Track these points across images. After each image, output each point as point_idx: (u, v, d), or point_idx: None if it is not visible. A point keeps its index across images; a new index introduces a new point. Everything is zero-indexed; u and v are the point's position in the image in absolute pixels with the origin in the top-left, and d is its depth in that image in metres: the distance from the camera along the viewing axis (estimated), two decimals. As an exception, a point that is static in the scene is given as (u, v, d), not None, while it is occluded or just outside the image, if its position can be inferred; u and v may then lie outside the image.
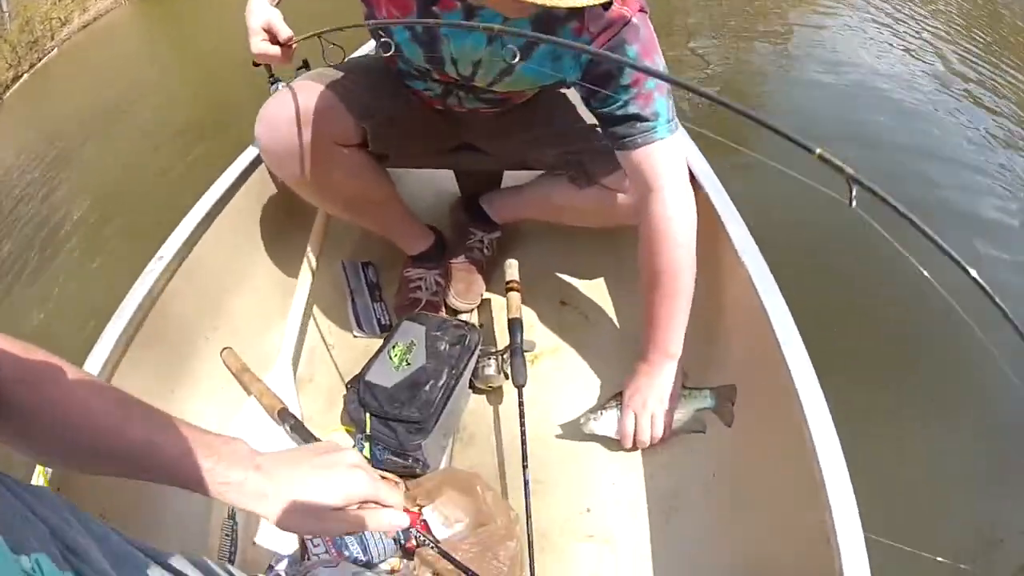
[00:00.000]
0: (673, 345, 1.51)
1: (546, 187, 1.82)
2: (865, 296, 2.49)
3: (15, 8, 6.94)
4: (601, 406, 1.56)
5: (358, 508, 0.81)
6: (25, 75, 6.49)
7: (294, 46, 1.43)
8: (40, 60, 6.82)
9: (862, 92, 4.10)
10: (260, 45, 1.40)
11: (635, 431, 1.51)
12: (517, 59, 1.27)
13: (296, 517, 0.78)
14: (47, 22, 6.92)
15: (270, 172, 1.86)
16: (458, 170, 2.11)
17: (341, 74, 1.58)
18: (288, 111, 1.47)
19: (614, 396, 1.57)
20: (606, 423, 1.54)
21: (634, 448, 1.54)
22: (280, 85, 1.70)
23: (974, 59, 4.51)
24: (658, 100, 1.37)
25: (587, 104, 1.48)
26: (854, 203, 0.57)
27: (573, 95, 1.74)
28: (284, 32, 1.39)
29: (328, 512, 0.79)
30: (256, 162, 1.82)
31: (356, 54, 2.14)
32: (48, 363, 0.75)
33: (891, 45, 4.72)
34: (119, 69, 5.80)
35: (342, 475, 0.81)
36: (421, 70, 1.53)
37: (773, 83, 4.41)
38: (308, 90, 1.49)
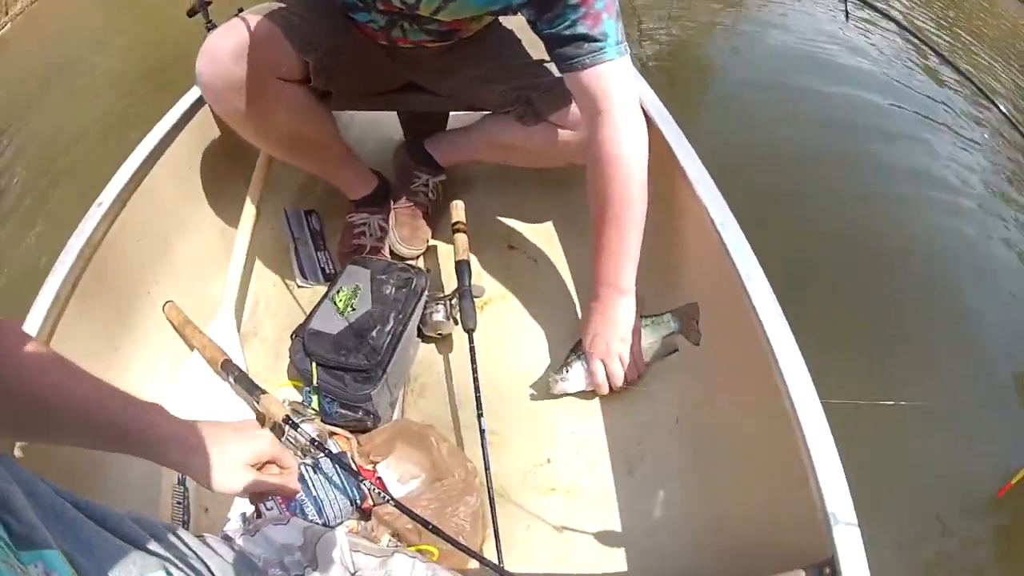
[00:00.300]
0: (626, 279, 1.47)
1: (492, 127, 1.79)
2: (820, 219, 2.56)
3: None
4: (564, 363, 1.52)
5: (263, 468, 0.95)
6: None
7: None
8: None
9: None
10: None
11: (608, 377, 1.48)
12: None
13: (218, 472, 0.88)
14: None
15: (214, 115, 1.79)
16: (402, 112, 2.06)
17: (283, 7, 1.53)
18: (230, 44, 1.42)
19: (573, 348, 1.54)
20: (575, 379, 1.50)
21: (611, 393, 1.51)
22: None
23: None
24: (607, 21, 1.33)
25: (534, 27, 1.42)
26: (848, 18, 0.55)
27: (521, 31, 1.69)
28: None
29: (243, 468, 0.90)
30: (197, 104, 1.74)
31: None
32: None
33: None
34: (67, 36, 5.62)
35: (253, 435, 0.94)
36: (365, 0, 1.48)
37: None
38: (250, 23, 1.44)
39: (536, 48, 1.63)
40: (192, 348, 1.54)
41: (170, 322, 1.59)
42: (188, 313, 1.60)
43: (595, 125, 1.41)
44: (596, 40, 1.33)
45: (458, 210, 1.73)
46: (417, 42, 1.59)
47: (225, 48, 1.42)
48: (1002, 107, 1.40)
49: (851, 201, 2.81)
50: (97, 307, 1.42)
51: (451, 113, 2.04)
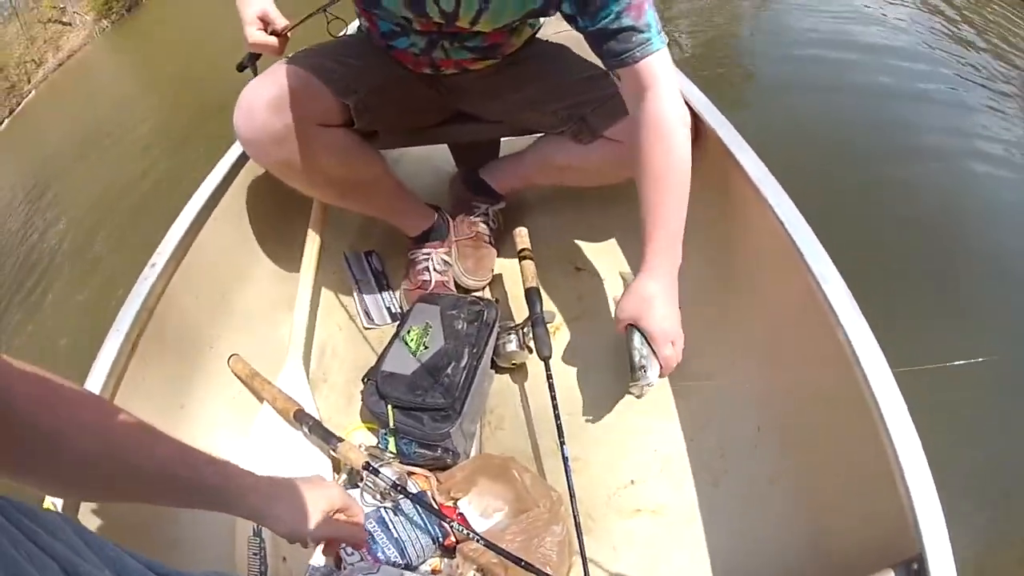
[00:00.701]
0: (677, 245, 1.38)
1: (547, 149, 1.74)
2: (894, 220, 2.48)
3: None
4: (636, 363, 1.35)
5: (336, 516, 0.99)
6: (6, 120, 6.45)
7: (289, 35, 1.44)
8: (19, 104, 6.80)
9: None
10: (256, 35, 1.42)
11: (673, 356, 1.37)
12: None
13: (298, 520, 0.92)
14: (22, 66, 6.93)
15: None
16: (453, 143, 2.02)
17: (317, 54, 1.53)
18: (266, 95, 1.41)
19: (632, 338, 1.37)
20: (653, 372, 1.36)
21: (689, 406, 1.45)
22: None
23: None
24: (648, 11, 1.31)
25: (575, 24, 1.38)
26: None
27: (561, 48, 1.68)
28: (280, 21, 1.41)
29: (319, 516, 0.94)
30: (244, 157, 1.73)
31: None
32: (64, 386, 0.72)
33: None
34: (96, 100, 5.81)
35: (325, 485, 0.99)
36: (402, 24, 1.46)
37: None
38: (283, 72, 1.44)
39: (580, 64, 1.61)
40: (262, 400, 1.51)
41: (236, 375, 1.56)
42: (255, 364, 1.57)
43: (641, 105, 1.35)
44: (642, 32, 1.30)
45: (522, 237, 1.68)
46: (460, 61, 1.56)
47: (261, 100, 1.42)
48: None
49: (901, 174, 2.77)
50: (158, 366, 1.40)
51: (503, 139, 2.00)
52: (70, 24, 9.33)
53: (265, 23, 1.42)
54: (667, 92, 1.34)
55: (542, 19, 1.68)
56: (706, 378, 1.50)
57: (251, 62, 1.63)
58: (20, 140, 6.01)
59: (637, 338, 1.33)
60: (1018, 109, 3.22)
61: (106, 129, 4.74)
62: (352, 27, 2.05)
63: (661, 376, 1.35)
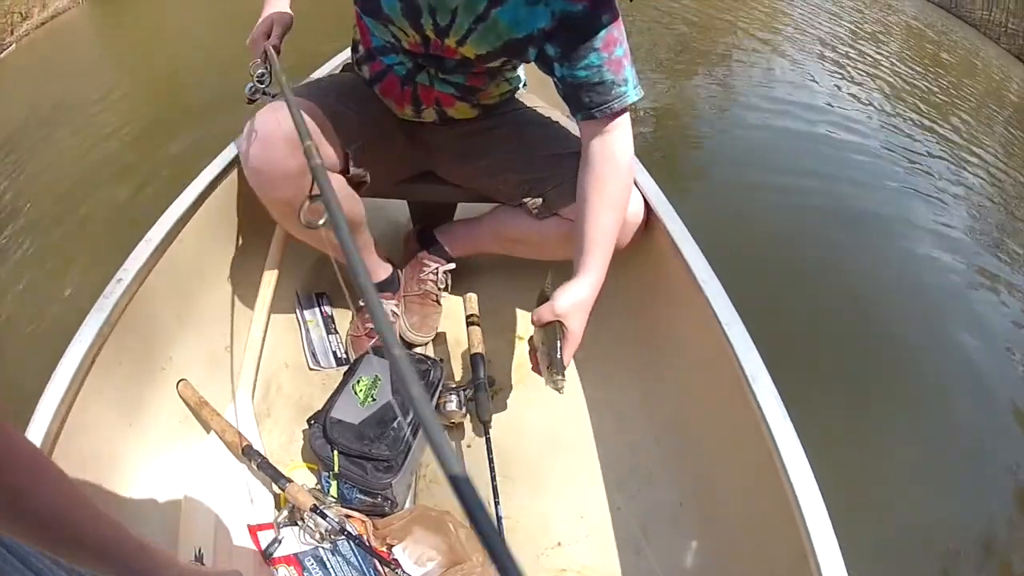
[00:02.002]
0: (606, 267, 1.52)
1: (502, 219, 1.84)
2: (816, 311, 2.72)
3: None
4: (558, 358, 1.43)
5: None
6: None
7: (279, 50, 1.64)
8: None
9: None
10: (256, 37, 1.69)
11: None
12: None
13: None
14: (8, 16, 6.69)
15: (239, 191, 1.85)
16: (414, 200, 2.11)
17: (323, 92, 1.61)
18: (283, 131, 1.45)
19: (556, 334, 1.45)
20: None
21: (617, 477, 1.58)
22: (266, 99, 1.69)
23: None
24: (627, 67, 1.43)
25: (554, 71, 1.48)
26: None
27: (537, 119, 1.79)
28: (274, 40, 1.66)
29: None
30: (215, 183, 1.78)
31: (326, 66, 2.23)
32: (23, 443, 0.73)
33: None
34: (76, 68, 5.70)
35: None
36: (392, 41, 1.55)
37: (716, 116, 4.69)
38: (301, 109, 1.48)
39: (548, 140, 1.72)
40: (208, 430, 1.55)
41: (185, 402, 1.61)
42: (202, 390, 1.61)
43: (604, 140, 1.48)
44: (620, 86, 1.43)
45: (472, 303, 1.80)
46: (441, 98, 1.65)
47: (280, 136, 1.45)
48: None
49: (836, 263, 3.06)
50: (113, 382, 1.44)
51: (460, 203, 2.10)
52: None
53: (268, 33, 1.62)
54: (628, 134, 1.50)
55: (520, 73, 1.80)
56: (631, 454, 1.64)
57: (260, 96, 1.70)
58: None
59: (559, 335, 1.44)
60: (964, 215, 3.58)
61: (79, 102, 4.66)
62: (338, 59, 2.16)
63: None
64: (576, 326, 1.45)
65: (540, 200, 1.70)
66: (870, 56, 6.16)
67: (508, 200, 1.80)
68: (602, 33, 1.38)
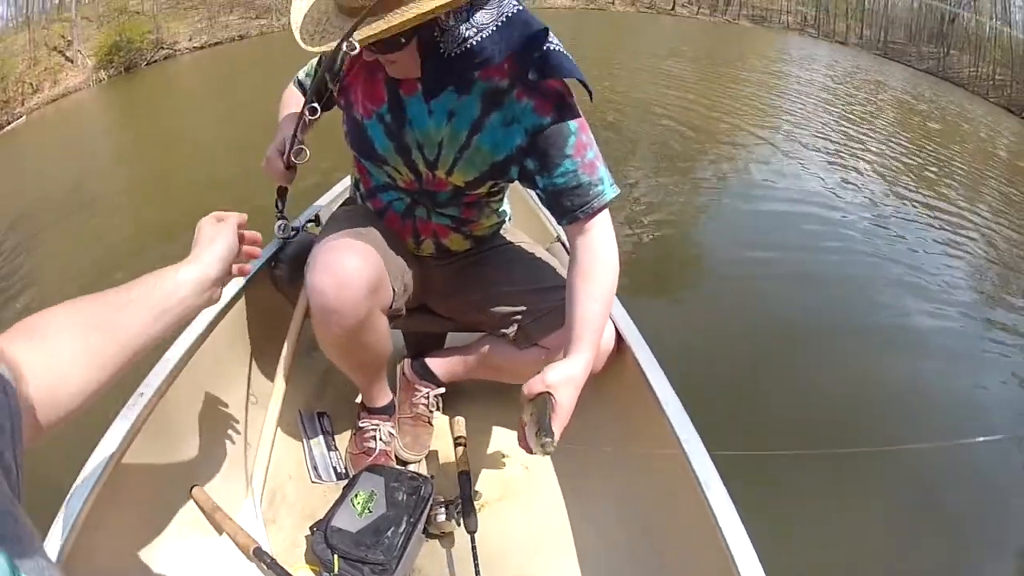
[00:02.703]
0: (595, 350, 1.58)
1: (486, 347, 2.02)
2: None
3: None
4: (548, 425, 1.41)
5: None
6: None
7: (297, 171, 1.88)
8: (9, 123, 6.83)
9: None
10: (272, 158, 1.91)
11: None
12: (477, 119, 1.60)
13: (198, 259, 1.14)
14: (19, 85, 6.96)
15: (252, 315, 2.10)
16: (409, 331, 2.32)
17: (371, 231, 1.79)
18: (364, 276, 1.63)
19: (547, 404, 1.45)
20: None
21: None
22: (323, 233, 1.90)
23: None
24: (600, 168, 1.61)
25: (536, 183, 1.66)
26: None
27: (522, 255, 2.00)
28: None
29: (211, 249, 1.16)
30: (233, 301, 2.02)
31: (328, 195, 2.56)
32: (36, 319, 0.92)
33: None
34: (82, 149, 5.92)
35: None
36: (387, 180, 1.79)
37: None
38: (372, 255, 1.68)
39: (532, 275, 1.92)
40: (220, 532, 1.70)
41: (199, 506, 1.76)
42: (214, 497, 1.76)
43: (592, 235, 1.62)
44: (597, 186, 1.59)
45: (459, 425, 2.00)
46: (437, 230, 1.87)
47: (361, 279, 1.62)
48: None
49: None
50: (134, 484, 1.60)
51: (450, 333, 2.30)
52: (72, 61, 9.50)
53: (282, 151, 1.85)
54: (610, 230, 1.63)
55: (506, 207, 2.03)
56: (608, 558, 1.80)
57: (280, 200, 2.04)
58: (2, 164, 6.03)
59: (550, 405, 1.44)
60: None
61: (87, 188, 4.85)
62: (339, 188, 2.43)
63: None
64: (566, 400, 1.46)
65: (520, 332, 1.90)
66: (861, 140, 6.50)
67: (491, 329, 2.00)
68: (572, 140, 1.57)
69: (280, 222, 2.10)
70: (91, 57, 10.12)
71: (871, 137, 6.79)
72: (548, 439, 1.39)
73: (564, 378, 1.48)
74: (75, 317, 0.95)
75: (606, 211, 1.63)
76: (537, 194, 1.69)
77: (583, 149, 1.59)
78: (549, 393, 1.45)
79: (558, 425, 1.42)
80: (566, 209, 1.61)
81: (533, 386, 1.47)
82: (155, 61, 11.77)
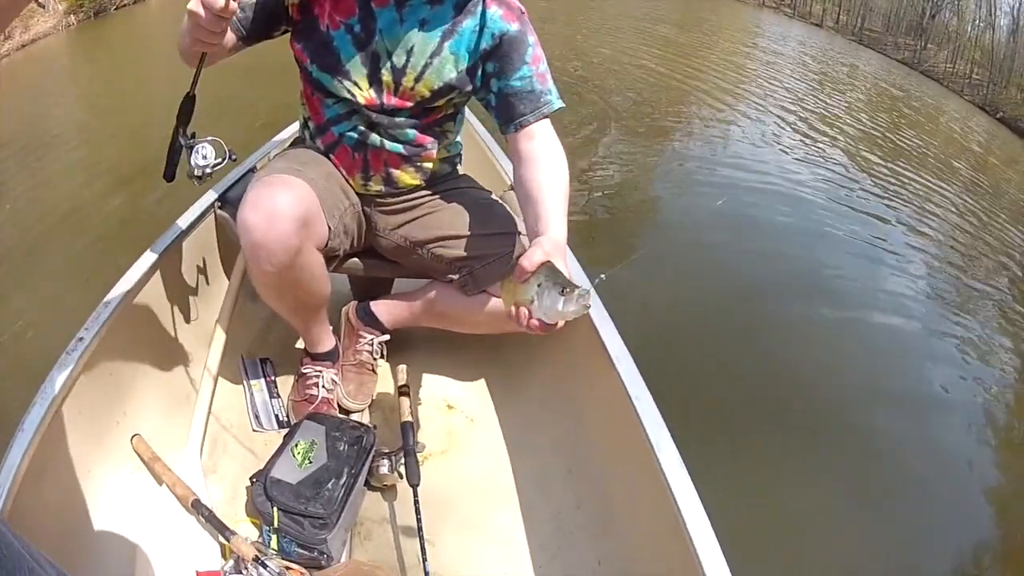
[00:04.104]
0: (565, 224, 1.60)
1: (434, 294, 2.00)
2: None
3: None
4: (568, 279, 1.35)
5: None
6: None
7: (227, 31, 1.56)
8: None
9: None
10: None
11: None
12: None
13: None
14: None
15: (196, 260, 2.07)
16: (355, 276, 2.28)
17: (308, 167, 1.76)
18: (291, 210, 1.59)
19: (553, 267, 1.37)
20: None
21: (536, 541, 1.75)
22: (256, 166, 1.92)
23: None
24: (550, 80, 1.75)
25: (491, 86, 1.76)
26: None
27: (477, 198, 1.97)
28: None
29: None
30: (175, 245, 1.99)
31: (275, 139, 2.53)
32: None
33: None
34: (52, 95, 5.80)
35: None
36: (346, 98, 1.75)
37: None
38: (302, 187, 1.65)
39: (483, 220, 1.89)
40: (160, 483, 1.69)
41: (139, 455, 1.74)
42: (154, 446, 1.75)
43: (541, 142, 1.73)
44: (547, 94, 1.74)
45: (403, 373, 1.98)
46: (389, 160, 1.85)
47: (289, 213, 1.59)
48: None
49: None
50: (74, 432, 1.57)
51: (397, 279, 2.28)
52: (44, 6, 9.34)
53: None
54: (555, 136, 1.75)
55: (459, 139, 2.02)
56: (554, 517, 1.81)
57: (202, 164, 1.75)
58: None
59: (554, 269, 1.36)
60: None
61: (52, 133, 4.77)
62: (287, 133, 2.36)
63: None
64: (562, 266, 1.40)
65: (469, 277, 1.88)
66: (827, 116, 6.56)
67: (440, 276, 1.98)
68: (530, 51, 1.72)
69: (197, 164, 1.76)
70: (62, 2, 9.96)
71: (839, 114, 6.87)
72: (584, 290, 1.31)
73: (554, 246, 1.46)
74: None
75: (549, 121, 1.75)
76: (486, 103, 1.80)
77: (538, 61, 1.74)
78: (548, 263, 1.37)
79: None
80: (518, 113, 1.73)
81: (534, 257, 1.37)
82: (124, 5, 11.66)
